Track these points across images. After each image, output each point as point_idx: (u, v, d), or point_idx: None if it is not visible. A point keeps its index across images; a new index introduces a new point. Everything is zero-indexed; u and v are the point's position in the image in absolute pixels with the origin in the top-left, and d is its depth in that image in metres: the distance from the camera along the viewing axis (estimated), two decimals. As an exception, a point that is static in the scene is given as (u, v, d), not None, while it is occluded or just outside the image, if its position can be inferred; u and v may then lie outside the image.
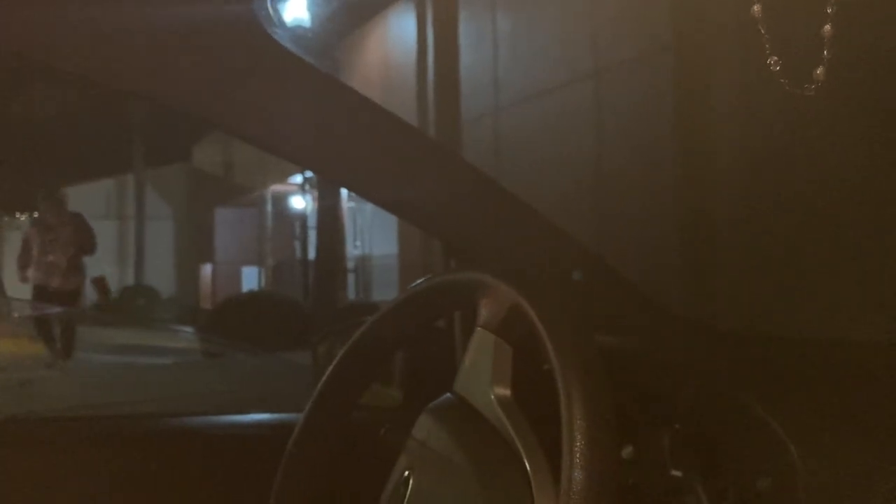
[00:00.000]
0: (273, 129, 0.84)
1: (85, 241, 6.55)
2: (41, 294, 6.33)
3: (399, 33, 7.25)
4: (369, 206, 11.44)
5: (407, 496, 0.69)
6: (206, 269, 14.42)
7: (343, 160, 0.88)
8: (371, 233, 11.43)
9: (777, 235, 2.43)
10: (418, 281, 0.82)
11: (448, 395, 0.73)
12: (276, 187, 12.85)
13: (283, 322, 7.59)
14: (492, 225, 0.96)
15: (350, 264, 10.53)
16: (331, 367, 0.86)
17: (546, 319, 0.62)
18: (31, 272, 6.51)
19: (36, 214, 6.89)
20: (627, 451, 0.86)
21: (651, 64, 3.83)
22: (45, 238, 6.36)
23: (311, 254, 10.15)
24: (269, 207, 13.24)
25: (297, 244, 11.99)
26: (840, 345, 0.97)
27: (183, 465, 1.02)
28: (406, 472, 0.71)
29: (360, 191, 0.94)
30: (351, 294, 10.47)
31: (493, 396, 0.67)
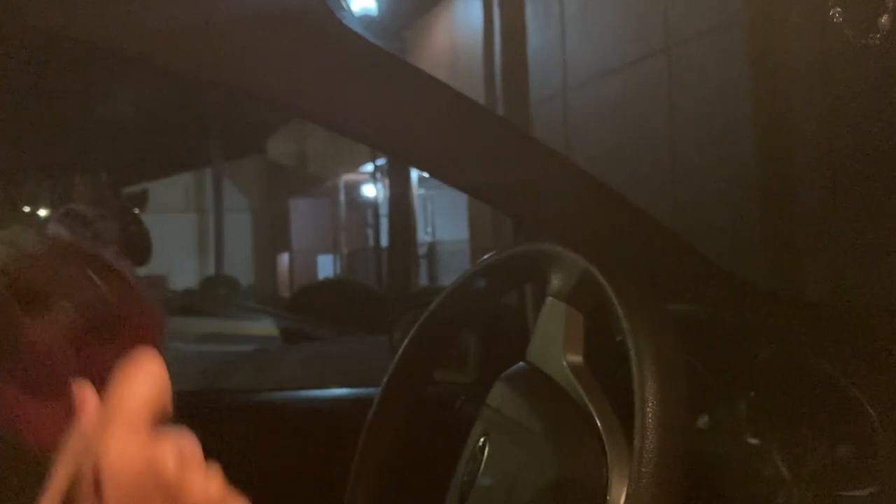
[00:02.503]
0: (347, 113, 0.86)
1: (135, 246, 5.82)
2: None
3: (466, 17, 7.25)
4: (439, 194, 11.50)
5: (484, 461, 0.71)
6: (284, 258, 14.75)
7: (415, 142, 0.90)
8: (441, 219, 11.48)
9: (862, 206, 2.36)
10: (489, 254, 0.83)
11: (521, 363, 0.75)
12: (349, 176, 13.04)
13: (359, 308, 7.71)
14: (564, 202, 0.97)
15: (421, 251, 10.61)
16: (406, 340, 0.88)
17: (616, 285, 0.63)
18: None
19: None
20: (703, 421, 0.86)
21: (725, 37, 3.74)
22: (77, 234, 5.68)
23: (384, 241, 10.27)
24: (342, 196, 13.44)
25: (370, 232, 12.15)
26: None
27: (265, 439, 1.06)
28: (482, 439, 0.73)
29: (432, 171, 0.96)
30: (423, 280, 10.56)
31: (565, 363, 0.68)
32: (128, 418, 0.40)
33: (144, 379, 0.41)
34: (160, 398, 0.41)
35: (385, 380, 0.89)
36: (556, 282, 0.71)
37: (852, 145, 2.58)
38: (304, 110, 0.90)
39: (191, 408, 1.14)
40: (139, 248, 5.26)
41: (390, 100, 0.85)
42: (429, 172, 0.99)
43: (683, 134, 4.01)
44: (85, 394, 0.41)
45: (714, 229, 3.29)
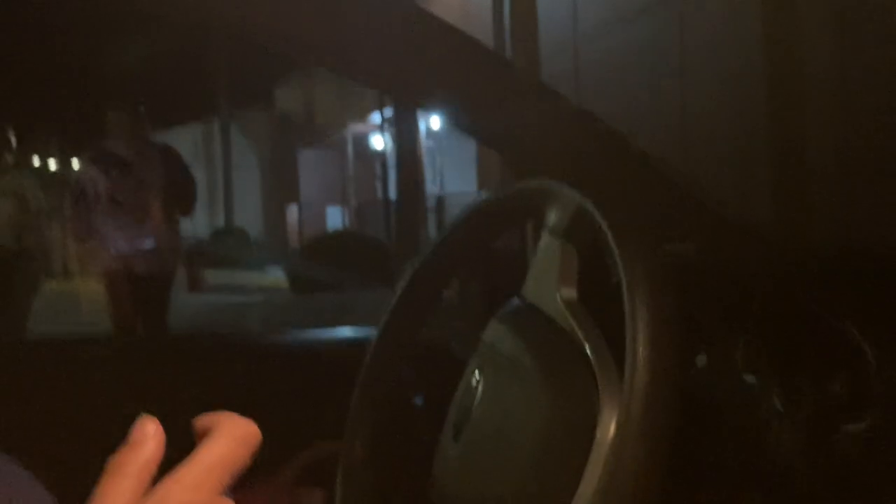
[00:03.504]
0: (355, 55, 0.86)
1: (181, 191, 3.82)
2: (113, 286, 3.78)
3: (475, -36, 7.12)
4: (448, 146, 11.44)
5: (478, 396, 0.71)
6: (293, 210, 14.77)
7: (426, 84, 0.89)
8: (450, 172, 11.44)
9: (870, 154, 2.34)
10: (486, 195, 0.83)
11: (516, 300, 0.75)
12: (357, 127, 12.97)
13: (367, 260, 7.74)
14: (567, 144, 0.96)
15: (430, 203, 10.60)
16: (405, 280, 0.88)
17: (610, 219, 0.62)
18: (90, 242, 3.84)
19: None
20: (701, 361, 0.86)
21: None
22: (115, 181, 3.68)
23: (393, 193, 10.26)
24: (350, 148, 13.40)
25: (379, 184, 12.13)
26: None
27: (264, 379, 1.07)
28: (476, 374, 0.73)
29: (443, 115, 0.96)
30: (431, 232, 10.58)
31: (559, 298, 0.68)
32: (205, 476, 0.38)
33: (239, 444, 0.39)
34: (239, 466, 0.39)
35: (382, 322, 0.90)
36: (551, 218, 0.71)
37: (865, 93, 2.54)
38: (312, 53, 0.89)
39: (193, 348, 1.16)
40: (185, 196, 3.92)
41: (398, 41, 0.85)
42: (436, 115, 0.99)
43: (694, 79, 3.96)
44: (149, 427, 0.39)
45: (722, 177, 3.27)
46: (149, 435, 0.38)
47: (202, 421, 0.40)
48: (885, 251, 1.00)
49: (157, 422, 0.39)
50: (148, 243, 3.79)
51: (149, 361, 1.07)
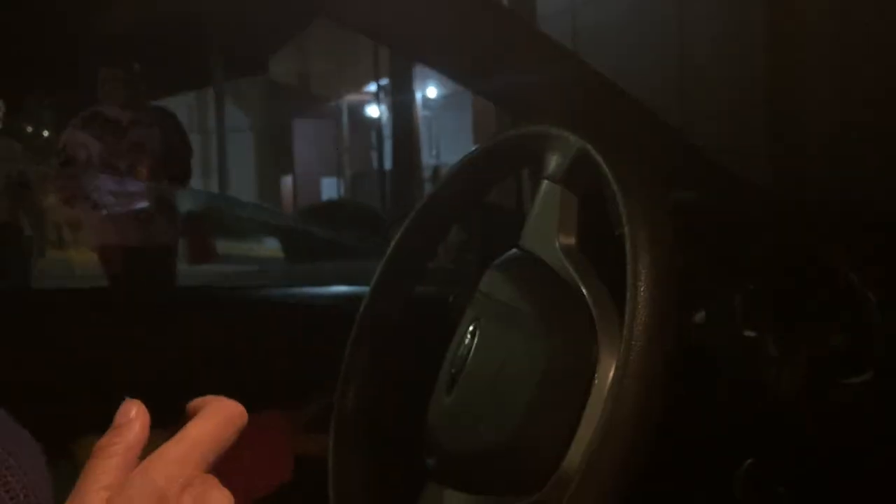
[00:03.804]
0: (359, 8, 0.84)
1: (177, 160, 3.57)
2: (109, 255, 3.51)
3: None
4: (444, 115, 11.36)
5: (474, 345, 0.70)
6: (287, 181, 14.71)
7: (428, 38, 0.88)
8: (447, 141, 11.39)
9: (869, 113, 2.32)
10: (485, 142, 0.81)
11: (514, 249, 0.74)
12: (352, 97, 12.88)
13: (363, 230, 7.72)
14: (568, 94, 0.95)
15: (427, 173, 10.56)
16: (401, 230, 0.87)
17: (613, 164, 0.61)
18: (80, 211, 3.61)
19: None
20: (700, 316, 0.85)
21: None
22: (108, 145, 3.40)
23: (388, 163, 10.22)
24: (345, 118, 13.32)
25: (374, 154, 12.07)
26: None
27: (262, 333, 1.06)
28: (472, 324, 0.72)
29: (439, 67, 0.94)
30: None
31: (558, 245, 0.66)
32: (189, 453, 0.39)
33: (223, 423, 0.40)
34: (223, 444, 0.40)
35: (377, 272, 0.88)
36: (551, 163, 0.69)
37: (865, 49, 2.52)
38: (318, 4, 0.87)
39: (191, 302, 1.15)
40: (181, 162, 3.53)
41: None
42: (436, 68, 0.97)
43: (693, 40, 3.92)
44: (133, 410, 0.40)
45: (722, 130, 3.25)
46: (133, 417, 0.40)
47: (194, 403, 0.42)
48: (887, 202, 0.98)
49: (141, 404, 0.40)
50: (145, 211, 3.52)
51: (145, 314, 1.06)
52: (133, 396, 0.41)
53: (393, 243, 0.87)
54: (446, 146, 11.58)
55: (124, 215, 3.49)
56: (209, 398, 0.41)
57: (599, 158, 0.62)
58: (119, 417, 0.40)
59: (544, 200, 0.70)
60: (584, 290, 0.62)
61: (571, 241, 0.67)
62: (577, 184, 0.67)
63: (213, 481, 0.39)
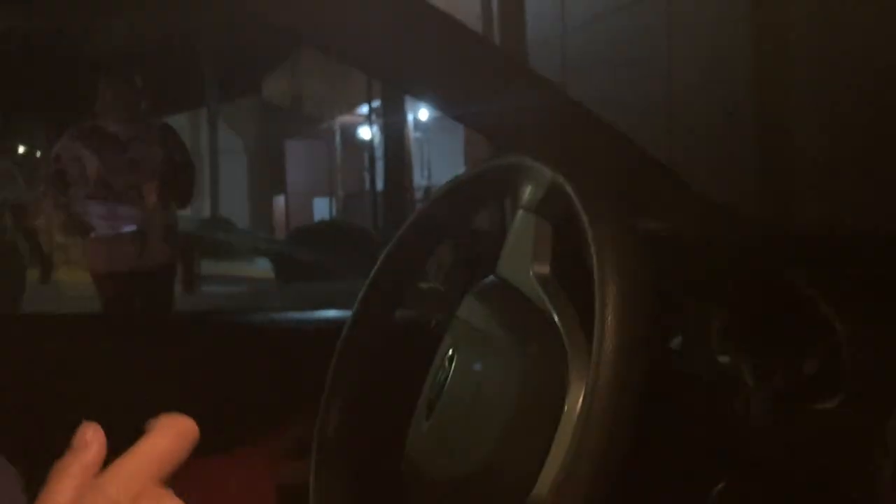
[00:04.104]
0: (344, 37, 0.86)
1: (180, 180, 3.38)
2: (104, 278, 3.32)
3: (463, -45, 7.09)
4: (436, 137, 11.42)
5: (451, 371, 0.71)
6: (280, 201, 14.72)
7: (414, 69, 0.89)
8: (438, 163, 11.43)
9: (853, 140, 2.36)
10: (461, 173, 0.83)
11: (491, 276, 0.75)
12: (344, 118, 12.94)
13: (354, 251, 7.73)
14: (550, 127, 0.96)
15: (418, 194, 10.59)
16: (381, 258, 0.88)
17: (582, 193, 0.62)
18: (73, 230, 3.38)
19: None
20: (676, 342, 0.86)
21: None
22: (105, 162, 3.21)
23: (380, 184, 10.24)
24: (337, 139, 13.36)
25: (366, 174, 12.11)
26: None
27: (245, 357, 1.07)
28: (450, 350, 0.73)
29: (425, 96, 0.95)
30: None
31: (532, 273, 0.68)
32: (140, 466, 0.41)
33: (174, 438, 0.42)
34: (175, 458, 0.42)
35: (358, 299, 0.89)
36: (526, 193, 0.71)
37: (850, 81, 2.55)
38: (301, 34, 0.89)
39: (174, 326, 1.16)
40: (184, 183, 3.39)
41: (386, 26, 0.85)
42: (423, 99, 0.98)
43: (681, 70, 3.97)
44: (89, 433, 0.42)
45: (708, 159, 3.29)
46: (90, 440, 0.42)
47: (150, 422, 0.43)
48: (863, 231, 1.00)
49: (98, 426, 0.42)
50: (142, 233, 3.28)
51: (129, 338, 1.07)
52: (109, 421, 0.42)
53: (373, 271, 0.88)
54: (437, 168, 11.62)
55: (121, 238, 3.28)
56: (161, 416, 0.43)
57: (571, 189, 0.64)
58: (76, 440, 0.42)
59: (519, 229, 0.72)
60: (555, 317, 0.64)
61: (545, 269, 0.68)
62: (551, 214, 0.69)
63: (167, 494, 0.41)
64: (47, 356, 1.02)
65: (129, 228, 3.28)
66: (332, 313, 1.17)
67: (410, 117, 9.22)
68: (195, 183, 3.57)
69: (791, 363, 0.76)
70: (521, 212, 0.72)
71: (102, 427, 0.42)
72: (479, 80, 0.91)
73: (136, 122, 3.31)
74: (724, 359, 0.81)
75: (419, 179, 11.19)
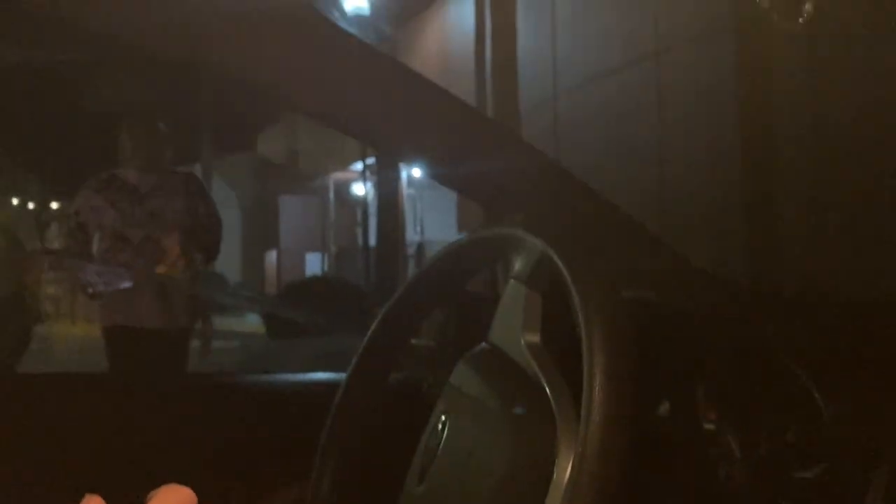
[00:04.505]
0: (337, 107, 0.89)
1: (204, 234, 3.17)
2: (116, 334, 3.05)
3: (457, 19, 7.28)
4: (429, 193, 11.51)
5: (443, 439, 0.73)
6: (272, 256, 14.73)
7: (403, 136, 0.92)
8: (430, 219, 11.50)
9: (838, 210, 2.41)
10: (454, 240, 0.85)
11: (483, 344, 0.77)
12: (338, 175, 13.05)
13: (345, 306, 7.72)
14: (541, 195, 0.99)
15: (410, 250, 10.63)
16: (374, 325, 0.90)
17: (570, 265, 0.65)
18: (89, 284, 3.10)
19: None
20: (664, 408, 0.88)
21: (713, 44, 3.79)
22: (123, 214, 3.03)
23: (373, 239, 10.28)
24: (331, 195, 13.45)
25: (359, 230, 12.16)
26: (879, 307, 0.97)
27: (238, 419, 1.08)
28: (443, 416, 0.75)
29: (420, 166, 0.98)
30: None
31: (523, 342, 0.70)
32: None
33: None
34: None
35: (352, 363, 0.91)
36: (517, 264, 0.73)
37: (836, 150, 2.62)
38: (296, 103, 0.92)
39: (167, 388, 1.17)
40: (207, 235, 3.08)
41: (378, 96, 0.88)
42: (415, 167, 1.02)
43: (671, 136, 4.05)
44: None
45: (697, 227, 3.34)
46: None
47: (150, 493, 0.44)
48: (844, 300, 1.03)
49: (100, 498, 0.43)
50: (161, 289, 3.04)
51: (124, 399, 1.08)
52: (101, 481, 0.43)
53: (367, 335, 0.90)
54: (430, 224, 11.69)
55: (138, 294, 3.01)
56: (163, 487, 0.44)
57: (560, 262, 0.66)
58: None
59: (510, 298, 0.74)
60: (545, 387, 0.66)
61: (536, 338, 0.71)
62: (541, 284, 0.71)
63: None
64: (45, 418, 1.03)
65: (145, 284, 3.02)
66: (326, 375, 1.18)
67: (404, 174, 9.31)
68: (220, 237, 3.30)
69: (774, 432, 0.78)
70: (512, 281, 0.74)
71: (102, 494, 0.43)
72: (471, 151, 0.94)
73: (156, 171, 3.11)
74: (709, 426, 0.83)
75: (412, 235, 11.24)
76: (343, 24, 0.87)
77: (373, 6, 7.19)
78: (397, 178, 9.15)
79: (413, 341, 1.08)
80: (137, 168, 3.06)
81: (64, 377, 1.20)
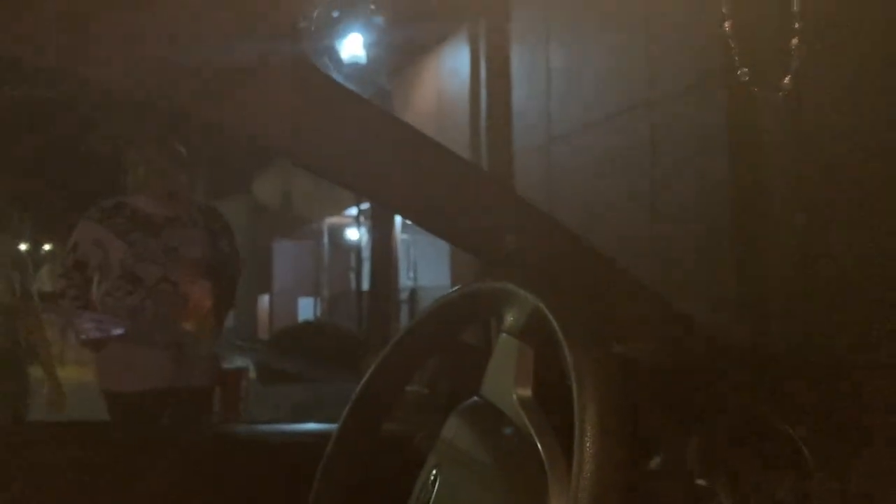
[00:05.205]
0: (329, 158, 0.90)
1: (225, 274, 2.67)
2: (120, 402, 2.48)
3: (452, 68, 7.38)
4: (423, 239, 11.55)
5: (434, 492, 0.73)
6: (264, 300, 14.68)
7: (396, 189, 0.93)
8: (424, 264, 11.51)
9: (828, 265, 2.43)
10: (447, 293, 0.86)
11: (475, 397, 0.77)
12: (332, 220, 13.08)
13: (338, 351, 7.68)
14: (532, 248, 1.00)
15: (403, 295, 10.61)
16: (366, 376, 0.90)
17: (563, 321, 0.65)
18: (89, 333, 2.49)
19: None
20: (656, 462, 0.88)
21: (705, 95, 3.85)
22: (134, 246, 2.51)
23: (366, 284, 10.27)
24: (325, 239, 13.46)
25: (352, 275, 12.15)
26: (866, 368, 0.98)
27: (227, 470, 1.07)
28: (434, 470, 0.74)
29: (412, 218, 0.99)
30: (404, 324, 10.50)
31: (515, 397, 0.70)
32: None
33: None
34: None
35: (344, 413, 0.91)
36: (509, 318, 0.74)
37: (825, 205, 2.65)
38: (288, 154, 0.93)
39: (157, 437, 1.16)
40: (228, 279, 2.61)
41: (371, 149, 0.89)
42: (407, 218, 1.02)
43: (664, 184, 4.09)
44: None
45: (688, 278, 3.35)
46: None
47: None
48: (832, 358, 1.04)
49: None
50: (176, 343, 2.46)
51: (111, 448, 1.07)
52: None
53: (359, 386, 0.90)
54: (423, 269, 11.71)
55: (140, 349, 2.45)
56: None
57: (552, 317, 0.67)
58: None
59: (502, 352, 0.74)
60: (537, 442, 0.66)
61: (528, 392, 0.71)
62: (534, 338, 0.72)
63: None
64: (28, 467, 1.02)
65: (160, 335, 2.45)
66: (317, 426, 1.17)
67: (398, 219, 9.35)
68: (239, 280, 2.73)
69: (765, 489, 0.78)
70: (504, 335, 0.75)
71: None
72: (463, 204, 0.95)
73: (174, 200, 2.58)
74: (700, 481, 0.83)
75: (405, 280, 11.24)
76: (339, 74, 0.88)
77: (369, 56, 7.30)
78: (391, 223, 9.18)
79: (406, 388, 1.08)
80: (150, 195, 2.55)
81: (47, 426, 1.19)
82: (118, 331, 2.45)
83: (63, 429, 1.14)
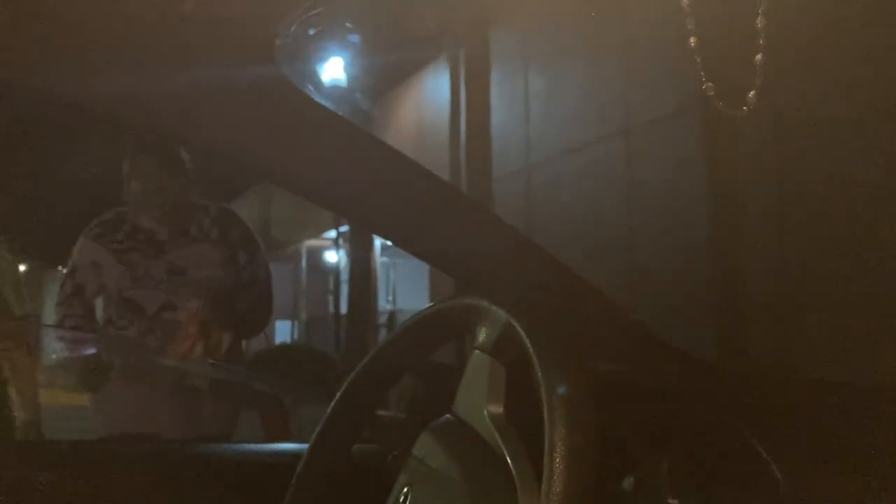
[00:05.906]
0: (310, 179, 0.90)
1: (246, 299, 2.29)
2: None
3: (433, 93, 7.43)
4: (402, 262, 11.55)
5: (404, 511, 0.72)
6: (241, 323, 14.54)
7: (376, 209, 0.93)
8: (403, 288, 11.50)
9: (807, 285, 2.45)
10: (419, 311, 0.86)
11: (447, 415, 0.77)
12: (311, 242, 13.04)
13: (315, 374, 7.61)
14: (509, 269, 1.00)
15: (382, 318, 10.58)
16: (337, 396, 0.89)
17: (533, 336, 0.65)
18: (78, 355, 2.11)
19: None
20: (629, 482, 0.88)
21: (680, 122, 3.90)
22: (133, 267, 2.16)
23: (344, 307, 10.23)
24: (303, 262, 13.41)
25: (331, 298, 12.10)
26: (842, 387, 0.98)
27: (196, 491, 1.06)
28: (405, 488, 0.74)
29: (392, 238, 0.99)
30: (382, 348, 10.44)
31: (486, 413, 0.70)
32: None
33: None
34: None
35: (315, 434, 0.90)
36: (481, 335, 0.74)
37: (802, 228, 2.69)
38: (268, 175, 0.93)
39: (128, 455, 1.14)
40: (256, 300, 2.21)
41: (350, 169, 0.89)
42: (387, 238, 1.03)
43: (641, 212, 4.13)
44: None
45: (665, 301, 3.38)
46: None
47: None
48: (806, 378, 1.04)
49: None
50: (182, 389, 2.07)
51: (78, 466, 1.06)
52: None
53: (331, 406, 0.89)
54: (402, 292, 11.69)
55: (138, 392, 2.09)
56: None
57: (523, 333, 0.67)
58: None
59: (474, 369, 0.74)
60: (508, 458, 0.66)
61: (499, 409, 0.71)
62: (505, 355, 0.72)
63: None
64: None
65: (163, 375, 2.07)
66: (288, 446, 1.16)
67: (377, 242, 9.34)
68: (271, 295, 2.30)
69: (737, 507, 0.78)
70: (476, 352, 0.75)
71: None
72: (442, 225, 0.95)
73: (179, 212, 2.19)
74: (673, 501, 0.83)
75: (384, 304, 11.22)
76: (320, 96, 0.88)
77: (350, 79, 7.33)
78: (370, 246, 9.17)
79: (379, 412, 1.07)
80: (152, 206, 2.17)
81: (25, 445, 1.17)
82: (114, 369, 2.09)
83: (38, 449, 1.12)
